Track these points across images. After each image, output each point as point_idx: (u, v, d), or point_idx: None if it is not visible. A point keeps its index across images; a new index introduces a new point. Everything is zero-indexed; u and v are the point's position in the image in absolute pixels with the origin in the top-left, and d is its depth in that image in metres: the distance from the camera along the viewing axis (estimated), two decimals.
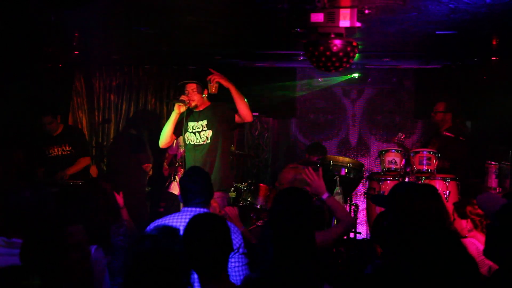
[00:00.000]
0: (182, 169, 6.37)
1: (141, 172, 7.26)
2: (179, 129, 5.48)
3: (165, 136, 5.49)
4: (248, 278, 2.74)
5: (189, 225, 2.57)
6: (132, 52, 7.26)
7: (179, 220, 3.42)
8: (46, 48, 6.61)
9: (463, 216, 4.23)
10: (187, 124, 5.44)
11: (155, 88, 8.21)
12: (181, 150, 6.77)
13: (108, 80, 8.18)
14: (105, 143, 7.97)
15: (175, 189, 6.90)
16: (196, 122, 5.44)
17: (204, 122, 5.40)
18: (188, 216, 3.44)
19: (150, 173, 7.44)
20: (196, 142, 5.42)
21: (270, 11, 4.78)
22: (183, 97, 5.39)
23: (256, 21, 5.34)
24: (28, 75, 7.04)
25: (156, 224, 3.36)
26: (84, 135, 7.45)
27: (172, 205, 6.74)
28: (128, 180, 7.07)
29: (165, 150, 7.37)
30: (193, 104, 5.41)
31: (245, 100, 5.31)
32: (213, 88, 5.25)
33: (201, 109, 5.48)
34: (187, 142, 5.47)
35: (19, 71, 6.87)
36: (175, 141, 7.12)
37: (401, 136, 6.85)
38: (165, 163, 7.29)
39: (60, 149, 6.35)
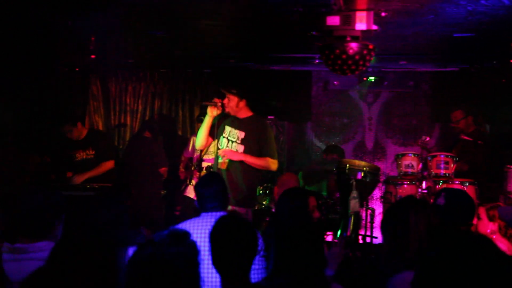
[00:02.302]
0: (198, 173, 6.37)
1: (157, 175, 7.27)
2: (214, 133, 5.27)
3: (200, 139, 5.28)
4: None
5: (216, 227, 2.54)
6: (148, 56, 7.30)
7: (199, 225, 3.41)
8: (63, 52, 6.67)
9: (491, 219, 4.21)
10: (224, 127, 5.21)
11: (170, 92, 8.25)
12: (197, 154, 6.77)
13: (124, 84, 8.24)
14: (121, 147, 8.01)
15: (191, 192, 6.90)
16: (234, 129, 5.17)
17: (242, 135, 5.13)
18: (208, 221, 3.43)
19: (165, 176, 7.46)
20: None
21: (285, 14, 4.76)
22: (215, 99, 5.17)
23: (271, 24, 5.33)
24: (45, 79, 7.12)
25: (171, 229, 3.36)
26: (109, 138, 7.43)
27: (187, 209, 6.75)
28: (143, 183, 7.09)
29: (180, 153, 7.39)
30: (226, 111, 5.17)
31: (264, 160, 5.07)
32: (224, 165, 5.08)
33: (242, 117, 5.18)
34: (220, 147, 5.23)
35: (37, 76, 6.94)
36: (190, 144, 7.14)
37: (425, 138, 6.80)
38: (181, 167, 7.30)
39: (84, 153, 6.38)
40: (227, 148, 5.17)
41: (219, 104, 5.14)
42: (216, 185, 3.54)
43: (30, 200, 2.74)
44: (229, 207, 5.00)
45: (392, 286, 2.67)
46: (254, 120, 5.20)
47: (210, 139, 5.33)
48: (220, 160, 5.10)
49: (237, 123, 5.19)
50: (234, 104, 5.13)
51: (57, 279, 1.84)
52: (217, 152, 5.27)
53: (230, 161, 5.07)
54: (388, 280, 2.70)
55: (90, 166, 6.31)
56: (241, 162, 5.05)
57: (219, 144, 5.26)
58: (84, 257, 2.05)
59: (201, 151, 5.94)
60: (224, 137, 5.22)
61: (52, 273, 1.88)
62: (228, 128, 5.21)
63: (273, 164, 5.12)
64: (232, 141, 5.17)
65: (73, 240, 2.12)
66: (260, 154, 5.09)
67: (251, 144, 5.08)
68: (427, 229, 2.68)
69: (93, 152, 6.37)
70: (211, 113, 5.16)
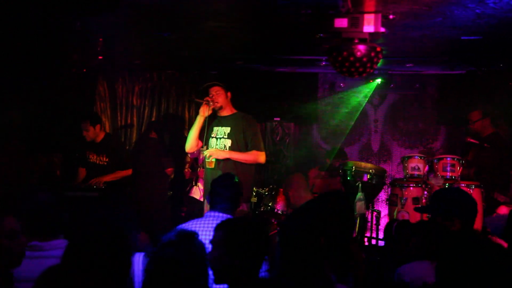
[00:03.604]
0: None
1: (163, 176, 7.28)
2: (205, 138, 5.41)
3: (190, 140, 5.46)
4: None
5: (227, 232, 2.48)
6: (155, 57, 7.31)
7: (203, 225, 3.43)
8: (71, 53, 6.68)
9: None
10: (212, 128, 5.38)
11: (177, 93, 8.25)
12: (203, 155, 6.78)
13: (130, 85, 8.25)
14: (127, 147, 8.02)
15: (196, 193, 6.90)
16: (220, 127, 5.36)
17: (227, 130, 5.31)
18: (212, 221, 3.45)
19: (172, 176, 7.47)
20: (216, 148, 5.33)
21: (293, 16, 4.76)
22: (207, 98, 5.33)
23: (278, 26, 5.33)
24: (52, 80, 7.13)
25: (177, 229, 3.37)
26: (124, 146, 7.44)
27: (193, 210, 6.75)
28: (150, 184, 7.09)
29: (185, 154, 7.40)
30: (218, 106, 5.33)
31: (251, 153, 5.24)
32: (211, 164, 5.20)
33: (227, 114, 5.39)
34: (209, 147, 5.37)
35: (44, 77, 6.96)
36: None
37: (432, 143, 6.83)
38: (186, 167, 7.30)
39: (98, 158, 6.37)
40: (216, 146, 5.31)
41: (211, 102, 5.28)
42: (233, 188, 3.62)
43: (39, 200, 2.78)
44: None
45: (400, 275, 2.83)
46: (238, 116, 5.40)
47: (200, 141, 5.45)
48: (207, 160, 5.21)
49: (222, 121, 5.37)
50: (224, 97, 5.33)
51: (70, 277, 1.86)
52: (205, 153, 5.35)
53: (217, 159, 5.18)
54: (395, 271, 2.85)
55: (101, 172, 6.30)
56: (228, 159, 5.18)
57: (209, 146, 5.38)
58: (97, 257, 2.06)
59: None
60: (212, 137, 5.37)
61: (66, 272, 1.89)
62: (215, 128, 5.39)
63: (260, 156, 5.28)
64: (220, 138, 5.33)
65: (85, 241, 2.13)
66: (246, 147, 5.24)
67: (237, 138, 5.26)
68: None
69: (107, 160, 6.33)
70: (203, 113, 5.33)
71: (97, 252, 2.08)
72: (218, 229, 2.52)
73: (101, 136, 6.41)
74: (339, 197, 2.97)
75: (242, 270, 2.42)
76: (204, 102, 5.32)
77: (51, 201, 2.81)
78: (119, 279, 2.11)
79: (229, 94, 5.41)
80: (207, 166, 5.23)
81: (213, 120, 5.42)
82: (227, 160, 5.19)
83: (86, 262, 2.04)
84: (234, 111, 5.44)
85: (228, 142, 5.27)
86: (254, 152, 5.23)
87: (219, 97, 5.33)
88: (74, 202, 5.31)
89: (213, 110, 5.36)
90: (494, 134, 6.59)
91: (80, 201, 5.55)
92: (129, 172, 6.43)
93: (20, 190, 6.28)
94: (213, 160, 5.19)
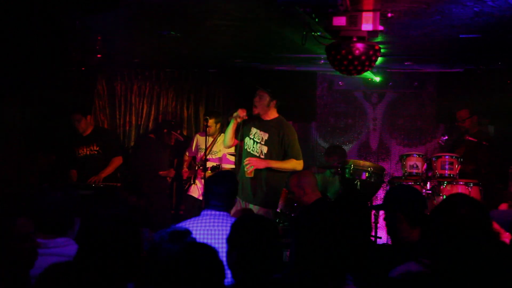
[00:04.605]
0: (202, 172, 6.39)
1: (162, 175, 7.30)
2: (240, 134, 5.48)
3: (227, 139, 5.52)
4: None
5: (241, 229, 2.47)
6: (153, 55, 7.31)
7: (200, 224, 3.44)
8: (70, 52, 6.69)
9: None
10: (250, 129, 5.38)
11: (176, 92, 8.26)
12: (201, 153, 6.79)
13: (129, 83, 8.26)
14: (126, 146, 8.04)
15: (194, 192, 6.91)
16: (258, 130, 5.35)
17: (265, 136, 5.30)
18: (208, 220, 3.46)
19: (171, 175, 7.48)
20: (251, 151, 5.35)
21: (292, 14, 4.76)
22: (238, 111, 5.33)
23: (277, 25, 5.34)
24: (52, 79, 7.14)
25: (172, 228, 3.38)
26: (115, 135, 7.52)
27: (192, 208, 6.76)
28: (150, 183, 7.10)
29: (183, 153, 7.39)
30: (256, 111, 5.34)
31: (290, 162, 5.26)
32: (250, 173, 5.22)
33: (268, 118, 5.38)
34: (245, 147, 5.41)
35: (44, 75, 6.97)
36: (194, 143, 7.15)
37: (444, 138, 6.86)
38: (184, 166, 7.31)
39: (88, 149, 6.45)
40: (252, 149, 5.32)
41: (241, 116, 5.29)
42: (227, 185, 3.58)
43: (51, 199, 2.80)
44: (252, 206, 5.10)
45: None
46: (278, 122, 5.38)
47: (236, 140, 5.50)
48: (246, 170, 5.21)
49: (262, 125, 5.36)
50: (266, 103, 5.32)
51: (82, 274, 1.87)
52: (243, 161, 5.35)
53: (257, 169, 5.19)
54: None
55: (93, 162, 6.36)
56: (267, 168, 5.20)
57: (245, 144, 5.39)
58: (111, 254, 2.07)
59: (206, 150, 6.05)
60: (249, 138, 5.37)
61: (79, 268, 1.91)
62: (254, 130, 5.38)
63: (298, 165, 5.30)
64: (257, 142, 5.33)
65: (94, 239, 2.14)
66: (284, 155, 5.24)
67: (274, 145, 5.26)
68: None
69: (97, 148, 6.43)
70: (235, 120, 5.35)
71: (112, 249, 2.09)
72: (234, 226, 2.53)
73: (90, 129, 6.52)
74: (357, 198, 3.00)
75: (255, 267, 2.41)
76: (235, 117, 5.34)
77: (61, 199, 2.84)
78: (131, 276, 2.12)
79: (274, 102, 5.38)
80: (246, 176, 5.23)
81: (253, 120, 5.41)
82: (266, 168, 5.22)
83: (100, 259, 2.05)
84: (276, 115, 5.43)
85: (265, 149, 5.28)
86: (293, 160, 5.27)
87: (261, 101, 5.32)
88: (87, 201, 5.35)
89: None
90: (479, 132, 6.68)
91: (91, 199, 5.59)
92: (120, 159, 6.51)
93: (28, 189, 6.34)
94: (252, 168, 5.21)
